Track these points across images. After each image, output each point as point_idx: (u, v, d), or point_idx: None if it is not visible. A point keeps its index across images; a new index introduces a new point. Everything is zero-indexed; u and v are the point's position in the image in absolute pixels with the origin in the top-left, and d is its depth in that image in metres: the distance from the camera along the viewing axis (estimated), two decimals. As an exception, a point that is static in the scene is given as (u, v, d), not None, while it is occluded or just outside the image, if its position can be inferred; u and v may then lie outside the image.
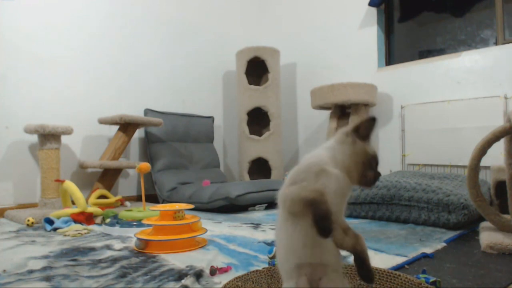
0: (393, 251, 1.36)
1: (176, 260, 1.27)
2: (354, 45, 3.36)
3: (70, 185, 2.01)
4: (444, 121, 2.73)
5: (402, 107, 2.98)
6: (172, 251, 1.39)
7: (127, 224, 1.78)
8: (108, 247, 1.48)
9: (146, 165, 1.84)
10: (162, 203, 2.74)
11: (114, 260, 1.29)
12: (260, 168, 3.38)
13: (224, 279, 1.05)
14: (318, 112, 3.49)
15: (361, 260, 0.68)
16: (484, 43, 2.85)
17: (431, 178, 2.22)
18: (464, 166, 2.59)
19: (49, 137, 2.29)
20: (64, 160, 2.50)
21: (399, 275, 0.91)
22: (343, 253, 0.72)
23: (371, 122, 0.76)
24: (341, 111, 3.16)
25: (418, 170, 2.76)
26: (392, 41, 3.32)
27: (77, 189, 2.00)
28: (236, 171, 3.80)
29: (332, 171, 0.70)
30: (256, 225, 1.92)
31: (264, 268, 0.97)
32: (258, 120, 3.42)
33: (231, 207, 2.43)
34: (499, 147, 1.52)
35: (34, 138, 2.42)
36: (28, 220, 1.97)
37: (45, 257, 1.34)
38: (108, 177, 2.62)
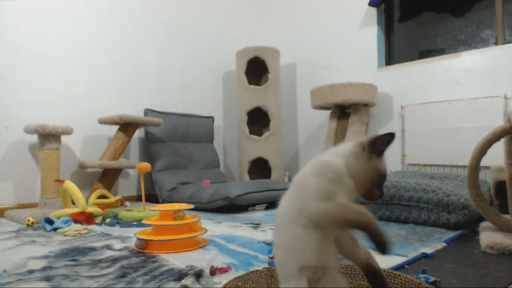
0: (393, 251, 1.36)
1: (176, 260, 1.27)
2: (354, 45, 3.36)
3: (70, 185, 2.01)
4: (444, 121, 2.73)
5: (402, 107, 2.98)
6: (172, 251, 1.39)
7: (127, 224, 1.78)
8: (108, 247, 1.48)
9: (146, 165, 1.84)
10: (162, 203, 2.74)
11: (114, 260, 1.29)
12: (260, 168, 3.38)
13: (224, 279, 1.05)
14: (318, 112, 3.49)
15: (375, 273, 0.69)
16: (484, 43, 2.85)
17: (431, 178, 2.22)
18: (464, 166, 2.59)
19: (49, 137, 2.29)
20: (64, 160, 2.50)
21: (399, 275, 0.91)
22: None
23: (389, 137, 0.74)
24: (341, 111, 3.16)
25: (418, 170, 2.76)
26: (392, 41, 3.32)
27: (77, 189, 2.00)
28: (236, 171, 3.80)
29: (350, 183, 0.71)
30: (256, 225, 1.92)
31: (264, 268, 0.98)
32: (258, 120, 3.42)
33: (231, 207, 2.43)
34: (499, 147, 1.52)
35: (34, 138, 2.42)
36: (28, 220, 1.97)
37: (45, 257, 1.34)
38: (108, 177, 2.62)
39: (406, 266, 1.19)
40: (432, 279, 0.97)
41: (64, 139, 2.46)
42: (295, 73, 3.85)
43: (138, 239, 1.46)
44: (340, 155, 0.74)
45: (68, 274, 1.14)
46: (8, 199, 2.38)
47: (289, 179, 3.14)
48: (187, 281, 1.03)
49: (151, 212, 1.78)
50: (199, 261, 1.25)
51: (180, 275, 1.10)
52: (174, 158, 3.04)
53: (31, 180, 2.46)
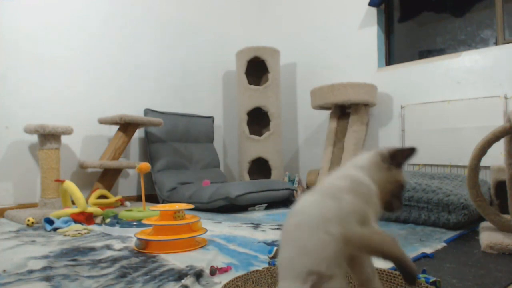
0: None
1: (176, 260, 1.28)
2: (354, 45, 3.36)
3: (70, 185, 2.01)
4: (444, 121, 2.73)
5: (402, 107, 2.98)
6: (172, 251, 1.39)
7: (127, 224, 1.78)
8: (108, 247, 1.48)
9: (146, 165, 1.84)
10: (162, 203, 2.74)
11: (114, 260, 1.29)
12: (260, 168, 3.38)
13: (224, 279, 1.05)
14: (318, 112, 3.49)
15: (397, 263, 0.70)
16: (484, 43, 2.85)
17: (431, 178, 2.22)
18: (464, 166, 2.59)
19: (49, 137, 2.29)
20: (64, 160, 2.50)
21: (399, 275, 0.91)
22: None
23: (410, 152, 0.75)
24: (341, 111, 3.16)
25: (418, 170, 2.76)
26: (392, 41, 3.32)
27: (77, 189, 2.00)
28: (236, 171, 3.80)
29: (378, 201, 0.73)
30: (256, 225, 1.92)
31: (264, 268, 0.98)
32: (258, 120, 3.42)
33: (231, 207, 2.43)
34: (499, 147, 1.52)
35: (34, 138, 2.42)
36: (28, 220, 1.97)
37: (45, 257, 1.34)
38: (108, 177, 2.62)
39: (406, 266, 1.19)
40: (432, 279, 0.97)
41: (64, 139, 2.46)
42: (295, 73, 3.85)
43: (138, 239, 1.46)
44: (362, 168, 0.75)
45: (68, 274, 1.14)
46: (8, 199, 2.38)
47: (289, 179, 3.14)
48: (187, 281, 1.03)
49: (151, 212, 1.78)
50: (199, 261, 1.25)
51: (180, 275, 1.10)
52: (174, 158, 3.04)
53: (31, 180, 2.46)
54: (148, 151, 2.97)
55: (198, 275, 1.08)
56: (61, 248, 1.47)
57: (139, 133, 3.06)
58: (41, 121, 2.35)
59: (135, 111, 2.97)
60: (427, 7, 3.25)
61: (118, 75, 2.95)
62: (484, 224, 1.65)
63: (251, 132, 3.33)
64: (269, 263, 1.19)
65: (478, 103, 2.59)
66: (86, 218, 1.95)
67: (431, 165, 2.79)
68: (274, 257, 1.20)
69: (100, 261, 1.28)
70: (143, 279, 1.09)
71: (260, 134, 3.36)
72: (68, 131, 2.34)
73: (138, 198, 2.98)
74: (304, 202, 0.73)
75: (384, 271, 0.94)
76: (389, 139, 3.07)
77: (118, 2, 2.98)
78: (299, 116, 3.82)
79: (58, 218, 1.90)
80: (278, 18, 4.01)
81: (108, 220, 1.88)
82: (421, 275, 1.00)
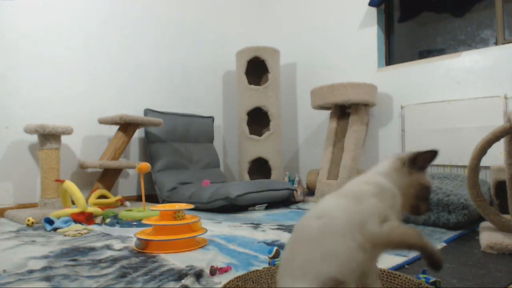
0: (393, 251, 1.35)
1: (176, 260, 1.28)
2: (354, 45, 3.36)
3: (70, 185, 2.01)
4: (444, 121, 2.73)
5: (402, 107, 2.98)
6: (172, 251, 1.39)
7: (127, 224, 1.78)
8: (108, 247, 1.48)
9: (146, 165, 1.84)
10: (162, 203, 2.74)
11: (114, 260, 1.29)
12: (260, 168, 3.38)
13: (224, 279, 1.05)
14: (318, 112, 3.49)
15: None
16: (484, 43, 2.85)
17: (431, 178, 2.22)
18: (464, 166, 2.59)
19: (49, 137, 2.29)
20: (64, 160, 2.50)
21: (399, 275, 0.91)
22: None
23: (432, 154, 0.75)
24: (341, 111, 3.16)
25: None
26: (392, 41, 3.32)
27: (77, 189, 2.00)
28: (236, 171, 3.80)
29: (400, 208, 0.74)
30: (256, 225, 1.92)
31: (264, 268, 0.98)
32: (258, 120, 3.42)
33: (231, 207, 2.43)
34: (499, 147, 1.52)
35: (34, 138, 2.42)
36: (28, 220, 1.97)
37: (45, 257, 1.34)
38: (108, 177, 2.62)
39: (406, 266, 1.19)
40: (432, 279, 0.97)
41: (64, 139, 2.46)
42: (295, 73, 3.85)
43: (138, 239, 1.46)
44: (384, 174, 0.76)
45: (68, 274, 1.14)
46: (8, 199, 2.38)
47: (289, 179, 3.14)
48: (187, 281, 1.03)
49: (151, 212, 1.78)
50: (199, 261, 1.25)
51: (180, 275, 1.10)
52: (174, 158, 3.04)
53: (31, 180, 2.46)
54: (148, 151, 2.96)
55: (198, 275, 1.08)
56: (61, 248, 1.47)
57: (139, 133, 3.06)
58: (41, 121, 2.35)
59: (135, 111, 2.97)
60: (427, 7, 3.25)
61: (118, 75, 2.95)
62: (484, 224, 1.65)
63: (251, 132, 3.33)
64: (269, 263, 1.19)
65: (478, 103, 2.59)
66: (86, 218, 1.95)
67: (431, 165, 2.79)
68: (274, 257, 1.20)
69: (100, 261, 1.28)
70: (143, 279, 1.09)
71: (260, 134, 3.36)
72: (68, 131, 2.34)
73: (138, 198, 2.98)
74: (329, 204, 0.72)
75: (384, 271, 0.94)
76: (389, 139, 3.07)
77: (118, 2, 2.98)
78: (299, 116, 3.82)
79: (58, 218, 1.90)
80: (278, 18, 4.01)
81: (108, 220, 1.88)
82: (421, 275, 1.00)
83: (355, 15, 3.36)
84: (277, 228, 1.82)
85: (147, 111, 3.01)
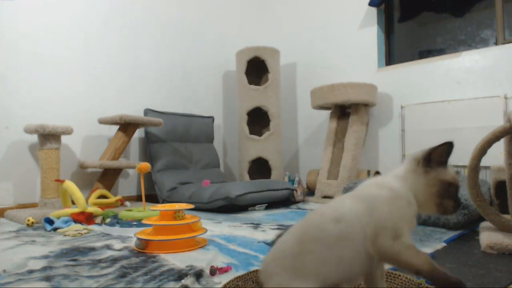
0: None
1: (176, 260, 1.27)
2: (354, 45, 3.36)
3: (70, 185, 2.01)
4: (444, 121, 2.73)
5: (402, 107, 2.98)
6: (172, 251, 1.39)
7: (127, 224, 1.78)
8: (108, 247, 1.48)
9: (146, 165, 1.84)
10: (162, 203, 2.74)
11: (114, 260, 1.29)
12: (260, 168, 3.38)
13: (224, 279, 1.05)
14: (318, 112, 3.49)
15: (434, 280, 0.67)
16: (484, 43, 2.85)
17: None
18: (464, 166, 2.58)
19: (49, 137, 2.29)
20: (64, 160, 2.50)
21: (399, 275, 0.91)
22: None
23: (447, 147, 0.72)
24: (341, 111, 3.16)
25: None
26: (392, 41, 3.32)
27: (77, 189, 2.00)
28: (236, 171, 3.80)
29: (415, 215, 0.71)
30: (256, 225, 1.92)
31: (264, 268, 0.97)
32: (258, 120, 3.42)
33: (231, 207, 2.43)
34: (499, 147, 1.52)
35: (34, 138, 2.42)
36: (28, 220, 1.97)
37: (45, 257, 1.34)
38: (108, 177, 2.62)
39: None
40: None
41: (64, 139, 2.46)
42: (295, 73, 3.85)
43: (138, 239, 1.46)
44: (401, 178, 0.73)
45: (68, 274, 1.14)
46: (8, 199, 2.38)
47: (289, 179, 3.14)
48: (187, 281, 1.03)
49: (151, 212, 1.78)
50: (199, 261, 1.25)
51: (180, 275, 1.10)
52: (174, 158, 3.03)
53: (31, 180, 2.46)
54: (148, 151, 2.96)
55: (198, 275, 1.08)
56: (61, 248, 1.47)
57: (139, 133, 3.06)
58: (41, 121, 2.35)
59: (135, 111, 2.97)
60: (427, 7, 3.25)
61: (118, 75, 2.95)
62: (484, 224, 1.65)
63: (251, 132, 3.33)
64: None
65: (478, 103, 2.59)
66: (86, 218, 1.95)
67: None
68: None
69: (100, 261, 1.28)
70: (143, 279, 1.09)
71: (260, 134, 3.36)
72: (68, 131, 2.34)
73: (138, 198, 2.98)
74: (347, 209, 0.71)
75: (385, 271, 0.94)
76: (389, 139, 3.07)
77: (118, 2, 2.98)
78: (299, 116, 3.82)
79: (58, 218, 1.90)
80: (278, 18, 4.01)
81: (108, 220, 1.88)
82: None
83: (355, 15, 3.36)
84: (277, 228, 1.82)
85: (147, 111, 3.01)
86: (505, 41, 2.66)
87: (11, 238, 1.68)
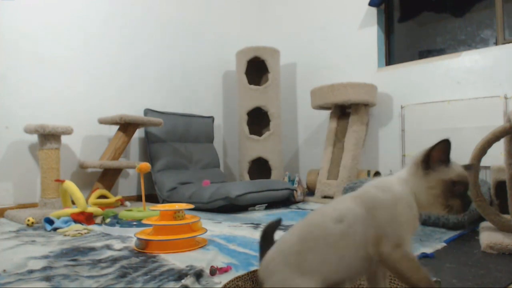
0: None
1: (176, 260, 1.27)
2: (354, 45, 3.36)
3: (70, 185, 2.01)
4: (444, 121, 2.73)
5: (402, 107, 2.98)
6: (172, 251, 1.39)
7: (127, 224, 1.78)
8: (108, 247, 1.48)
9: (146, 165, 1.84)
10: (162, 203, 2.74)
11: (114, 260, 1.29)
12: (260, 168, 3.38)
13: (224, 279, 1.05)
14: (318, 112, 3.49)
15: None
16: (484, 43, 2.85)
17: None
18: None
19: (49, 137, 2.29)
20: (64, 160, 2.50)
21: (399, 275, 0.91)
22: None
23: (443, 145, 0.70)
24: (341, 111, 3.16)
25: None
26: (392, 41, 3.32)
27: (77, 189, 2.00)
28: (236, 171, 3.80)
29: (417, 217, 0.71)
30: (256, 225, 1.92)
31: (264, 268, 0.97)
32: (258, 120, 3.42)
33: (231, 207, 2.43)
34: (499, 147, 1.52)
35: (34, 138, 2.42)
36: (28, 220, 1.97)
37: (45, 257, 1.34)
38: (108, 177, 2.62)
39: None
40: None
41: (64, 139, 2.46)
42: (295, 73, 3.85)
43: (138, 239, 1.46)
44: (403, 181, 0.72)
45: (68, 274, 1.14)
46: (8, 199, 2.38)
47: (289, 179, 3.14)
48: (187, 281, 1.03)
49: (151, 212, 1.78)
50: (199, 261, 1.25)
51: (180, 275, 1.10)
52: (174, 158, 3.04)
53: (31, 180, 2.46)
54: (148, 151, 2.96)
55: (198, 275, 1.08)
56: (61, 248, 1.47)
57: (139, 133, 3.05)
58: (41, 121, 2.35)
59: (135, 111, 2.97)
60: (427, 7, 3.25)
61: (118, 75, 2.95)
62: (484, 224, 1.65)
63: (251, 132, 3.33)
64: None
65: (478, 103, 2.59)
66: (86, 218, 1.95)
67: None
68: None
69: (100, 261, 1.28)
70: (143, 279, 1.09)
71: (260, 134, 3.36)
72: (68, 131, 2.34)
73: (138, 198, 2.98)
74: (348, 210, 0.71)
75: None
76: (389, 139, 3.07)
77: (118, 2, 2.98)
78: (299, 116, 3.82)
79: (58, 218, 1.90)
80: (278, 18, 4.01)
81: (108, 220, 1.88)
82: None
83: (355, 15, 3.36)
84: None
85: (147, 111, 3.01)
86: (505, 41, 2.66)
87: (11, 238, 1.68)
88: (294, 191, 2.86)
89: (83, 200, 1.97)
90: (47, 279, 1.09)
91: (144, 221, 1.54)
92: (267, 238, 0.85)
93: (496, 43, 2.73)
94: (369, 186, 0.75)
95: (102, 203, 2.37)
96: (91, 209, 2.02)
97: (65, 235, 1.72)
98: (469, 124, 2.60)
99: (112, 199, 2.47)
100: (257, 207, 2.53)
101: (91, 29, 2.80)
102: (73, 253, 1.39)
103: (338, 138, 3.10)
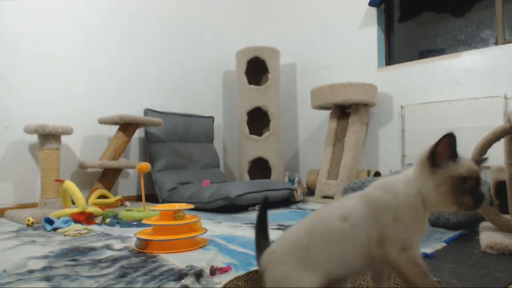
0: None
1: (176, 260, 1.27)
2: (354, 45, 3.36)
3: (70, 185, 2.01)
4: (444, 121, 2.73)
5: (402, 107, 2.98)
6: (172, 251, 1.39)
7: (127, 224, 1.78)
8: (108, 247, 1.48)
9: (146, 165, 1.84)
10: (162, 203, 2.74)
11: (114, 260, 1.29)
12: (260, 168, 3.38)
13: (224, 279, 1.05)
14: (318, 112, 3.49)
15: None
16: (484, 43, 2.85)
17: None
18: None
19: (49, 137, 2.29)
20: (64, 160, 2.50)
21: (399, 275, 0.91)
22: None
23: (448, 140, 0.67)
24: (341, 111, 3.16)
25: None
26: (392, 41, 3.32)
27: (77, 189, 2.00)
28: (236, 171, 3.80)
29: (424, 218, 0.70)
30: (256, 225, 1.91)
31: (264, 268, 0.97)
32: (258, 120, 3.42)
33: (231, 207, 2.43)
34: (499, 147, 1.52)
35: (34, 138, 2.42)
36: (28, 220, 1.97)
37: (45, 257, 1.34)
38: (108, 177, 2.62)
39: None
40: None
41: (64, 139, 2.46)
42: (295, 73, 3.85)
43: (138, 239, 1.46)
44: (411, 181, 0.71)
45: (68, 274, 1.14)
46: (8, 199, 2.38)
47: (289, 179, 3.14)
48: (187, 281, 1.03)
49: (151, 212, 1.78)
50: (199, 261, 1.25)
51: (180, 275, 1.10)
52: (174, 158, 3.04)
53: (31, 180, 2.46)
54: (148, 151, 2.96)
55: (198, 275, 1.08)
56: (61, 248, 1.47)
57: (139, 133, 3.05)
58: (41, 121, 2.34)
59: (135, 111, 2.97)
60: (427, 7, 3.25)
61: (118, 75, 2.95)
62: (484, 224, 1.65)
63: (251, 132, 3.33)
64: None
65: (478, 103, 2.59)
66: (86, 218, 1.95)
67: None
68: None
69: (100, 261, 1.28)
70: (143, 279, 1.09)
71: (260, 134, 3.36)
72: (68, 131, 2.34)
73: (138, 198, 2.98)
74: (353, 209, 0.71)
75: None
76: (389, 139, 3.07)
77: (118, 2, 2.98)
78: (299, 116, 3.82)
79: (58, 218, 1.90)
80: (278, 18, 4.01)
81: (108, 220, 1.88)
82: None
83: (355, 15, 3.36)
84: (277, 228, 1.82)
85: (147, 111, 3.01)
86: (505, 41, 2.66)
87: (11, 238, 1.68)
88: (294, 191, 2.86)
89: (83, 200, 1.97)
90: (47, 279, 1.09)
91: (144, 221, 1.54)
92: (261, 221, 0.91)
93: (496, 43, 2.73)
94: (374, 186, 0.74)
95: (102, 203, 2.37)
96: (91, 209, 2.02)
97: (65, 235, 1.72)
98: (469, 124, 2.60)
99: (112, 199, 2.47)
100: (257, 207, 2.53)
101: (91, 29, 2.80)
102: (73, 253, 1.39)
103: (338, 138, 3.10)
